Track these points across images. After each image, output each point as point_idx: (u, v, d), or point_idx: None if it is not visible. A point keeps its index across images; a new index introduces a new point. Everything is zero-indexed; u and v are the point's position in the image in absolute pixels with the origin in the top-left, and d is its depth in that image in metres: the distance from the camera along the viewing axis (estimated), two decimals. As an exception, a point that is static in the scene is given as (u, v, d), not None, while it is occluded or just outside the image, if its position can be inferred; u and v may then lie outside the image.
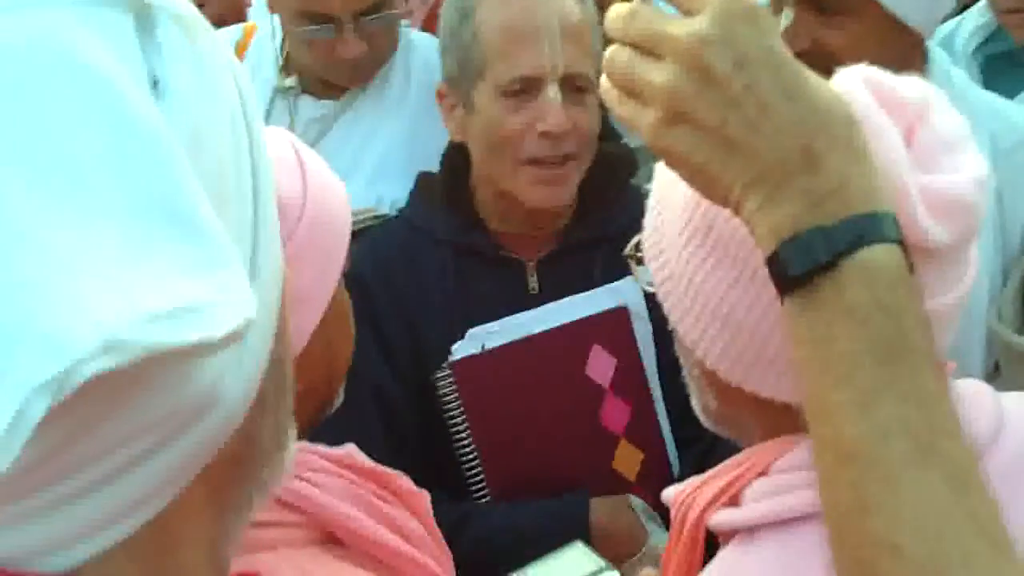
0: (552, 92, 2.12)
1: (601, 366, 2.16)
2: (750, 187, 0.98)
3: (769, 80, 0.97)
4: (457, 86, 2.23)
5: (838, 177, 0.97)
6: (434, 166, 2.39)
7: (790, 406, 1.13)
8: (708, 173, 0.99)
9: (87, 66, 0.61)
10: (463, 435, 2.15)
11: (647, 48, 0.99)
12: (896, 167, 1.06)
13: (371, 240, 2.29)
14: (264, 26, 2.80)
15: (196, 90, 0.66)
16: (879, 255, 0.96)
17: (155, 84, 0.65)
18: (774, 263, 0.98)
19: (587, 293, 2.15)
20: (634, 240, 1.29)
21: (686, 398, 1.33)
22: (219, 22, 3.28)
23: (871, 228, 0.96)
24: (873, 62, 2.11)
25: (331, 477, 1.40)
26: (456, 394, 2.12)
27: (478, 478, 2.17)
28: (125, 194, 0.60)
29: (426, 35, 2.82)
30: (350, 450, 1.47)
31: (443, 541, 1.52)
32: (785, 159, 0.97)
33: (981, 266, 2.08)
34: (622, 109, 1.02)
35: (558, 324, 2.13)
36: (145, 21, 0.66)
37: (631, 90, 1.01)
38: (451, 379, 2.12)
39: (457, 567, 1.54)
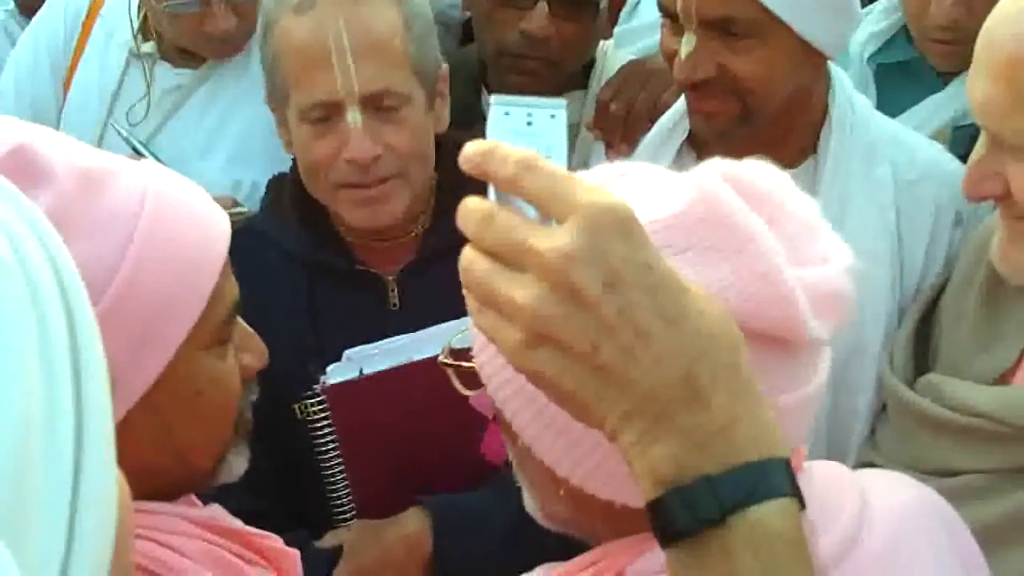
0: (352, 117, 2.04)
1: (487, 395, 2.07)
2: (626, 419, 0.91)
3: (646, 302, 0.90)
4: (273, 104, 2.17)
5: (725, 415, 0.91)
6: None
7: None
8: (579, 400, 0.92)
9: None
10: (331, 461, 2.10)
11: (507, 258, 0.91)
12: (778, 271, 1.05)
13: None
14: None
15: None
16: (772, 516, 0.91)
17: None
18: (655, 510, 0.92)
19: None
20: (454, 337, 1.25)
21: None
22: None
23: (762, 481, 0.91)
24: (781, 87, 2.07)
25: (192, 540, 1.36)
26: (326, 419, 2.06)
27: (346, 505, 2.13)
28: None
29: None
30: (214, 511, 1.43)
31: None
32: (665, 391, 0.90)
33: (876, 305, 2.06)
34: (481, 321, 0.94)
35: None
36: None
37: (491, 302, 0.92)
38: (323, 404, 2.06)
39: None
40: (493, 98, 1.00)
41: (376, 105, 2.04)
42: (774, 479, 0.91)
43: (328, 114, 2.05)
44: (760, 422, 0.93)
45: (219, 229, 1.38)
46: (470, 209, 0.93)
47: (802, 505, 0.93)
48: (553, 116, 0.99)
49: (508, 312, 0.90)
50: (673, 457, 0.90)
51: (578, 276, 0.88)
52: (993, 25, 1.71)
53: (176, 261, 1.31)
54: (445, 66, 2.21)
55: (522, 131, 0.98)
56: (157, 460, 1.33)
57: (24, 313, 0.65)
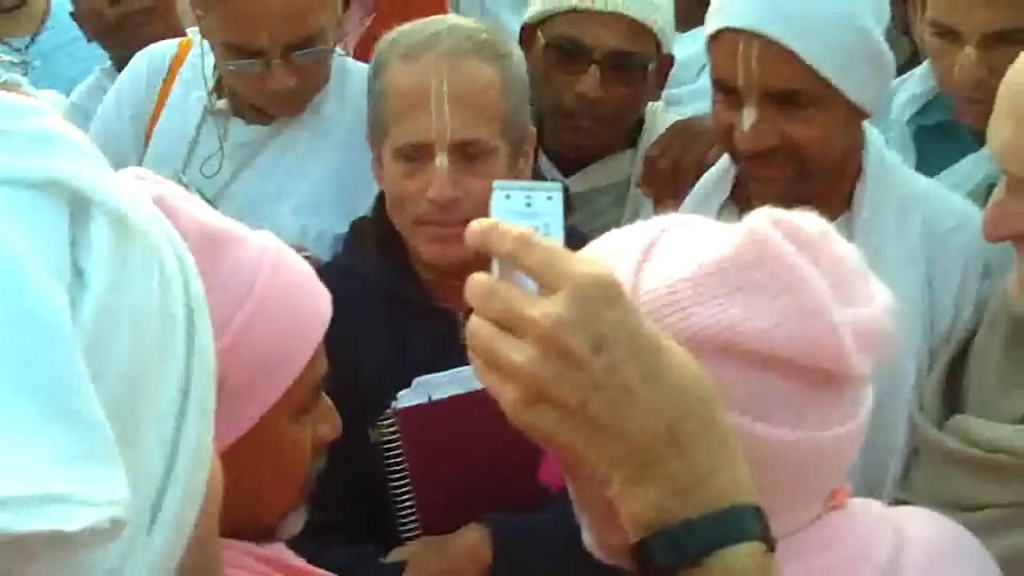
0: (440, 160, 2.23)
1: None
2: (615, 467, 1.02)
3: (631, 361, 1.00)
4: (373, 140, 2.37)
5: (703, 465, 1.02)
6: (368, 200, 2.49)
7: None
8: (573, 451, 1.03)
9: None
10: (401, 484, 2.22)
11: (507, 326, 1.02)
12: (826, 309, 1.15)
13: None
14: (198, 44, 2.78)
15: (113, 293, 0.70)
16: (742, 559, 1.01)
17: (80, 275, 0.68)
18: (640, 551, 1.03)
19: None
20: None
21: None
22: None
23: (734, 526, 1.02)
24: (836, 149, 2.19)
25: (254, 575, 1.43)
26: (397, 442, 2.20)
27: (412, 527, 2.24)
28: (6, 376, 0.62)
29: (363, 65, 2.81)
30: (278, 549, 1.51)
31: None
32: (651, 441, 1.01)
33: (909, 348, 2.17)
34: (485, 381, 1.04)
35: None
36: (81, 214, 0.70)
37: (493, 364, 1.03)
38: (393, 427, 2.19)
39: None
40: (495, 184, 1.14)
41: (463, 152, 2.23)
42: (746, 524, 1.02)
43: (419, 154, 2.24)
44: (736, 471, 1.04)
45: (323, 307, 1.51)
46: (475, 283, 1.05)
47: (771, 548, 1.04)
48: (550, 198, 1.11)
49: (508, 373, 1.01)
50: (657, 503, 1.01)
51: (569, 339, 0.98)
52: (1016, 70, 1.81)
53: (282, 329, 1.43)
54: (533, 130, 2.39)
55: (522, 212, 1.10)
56: (232, 507, 1.42)
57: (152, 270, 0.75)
